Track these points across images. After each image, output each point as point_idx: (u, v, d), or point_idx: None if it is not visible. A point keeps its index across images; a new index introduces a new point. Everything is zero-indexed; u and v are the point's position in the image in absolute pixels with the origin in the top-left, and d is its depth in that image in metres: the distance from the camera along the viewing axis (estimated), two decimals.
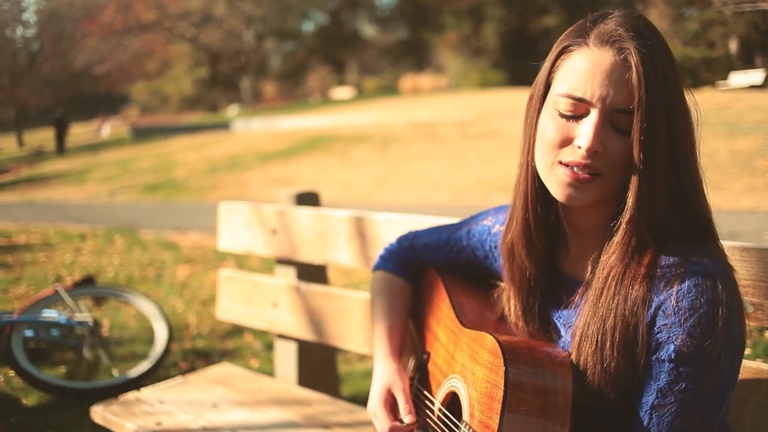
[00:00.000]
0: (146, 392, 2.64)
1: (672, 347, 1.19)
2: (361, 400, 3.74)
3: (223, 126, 30.51)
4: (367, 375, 4.26)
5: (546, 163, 1.32)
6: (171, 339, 4.33)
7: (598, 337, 1.26)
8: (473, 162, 15.36)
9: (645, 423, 1.22)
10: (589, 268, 1.38)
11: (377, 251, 2.36)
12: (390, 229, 2.35)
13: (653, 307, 1.22)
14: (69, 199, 15.68)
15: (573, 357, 1.31)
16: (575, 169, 1.27)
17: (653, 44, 1.23)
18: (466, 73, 43.21)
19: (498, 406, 1.25)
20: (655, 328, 1.21)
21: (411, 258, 1.84)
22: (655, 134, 1.21)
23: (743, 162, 11.17)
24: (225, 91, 49.10)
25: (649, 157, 1.21)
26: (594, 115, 1.24)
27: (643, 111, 1.20)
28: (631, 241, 1.26)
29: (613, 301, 1.26)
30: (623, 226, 1.26)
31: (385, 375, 1.66)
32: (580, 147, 1.25)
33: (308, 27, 58.21)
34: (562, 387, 1.27)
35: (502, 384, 1.25)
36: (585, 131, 1.24)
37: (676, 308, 1.19)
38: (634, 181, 1.23)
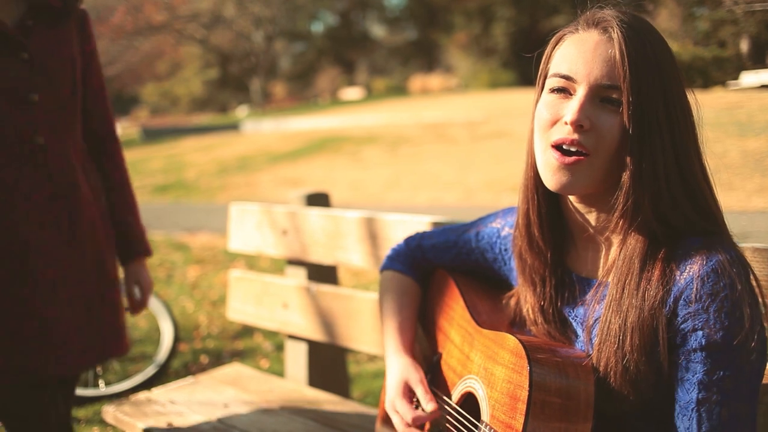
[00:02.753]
0: (157, 392, 2.65)
1: (700, 334, 1.19)
2: (371, 400, 3.74)
3: (233, 127, 30.58)
4: (378, 375, 4.26)
5: (540, 149, 1.34)
6: (178, 338, 4.34)
7: (619, 338, 1.26)
8: (483, 162, 15.34)
9: (695, 421, 1.20)
10: (600, 266, 1.38)
11: (388, 252, 2.37)
12: (401, 229, 2.35)
13: (672, 299, 1.22)
14: None
15: (594, 358, 1.30)
16: (564, 147, 1.27)
17: (641, 28, 1.26)
18: (475, 74, 43.18)
19: (522, 407, 1.24)
20: (678, 319, 1.21)
21: (419, 258, 1.83)
22: (649, 111, 1.22)
23: (755, 162, 11.11)
24: (235, 92, 49.25)
25: (642, 133, 1.22)
26: (580, 91, 1.27)
27: (628, 84, 1.22)
28: (637, 233, 1.27)
29: (631, 301, 1.25)
30: (622, 210, 1.26)
31: (401, 369, 1.65)
32: (566, 122, 1.27)
33: (318, 28, 58.30)
34: (584, 388, 1.27)
35: (527, 384, 1.25)
36: (571, 106, 1.27)
37: (698, 295, 1.19)
38: (628, 160, 1.24)
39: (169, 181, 17.74)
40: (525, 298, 1.52)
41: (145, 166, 21.31)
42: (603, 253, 1.36)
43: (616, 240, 1.34)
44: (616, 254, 1.32)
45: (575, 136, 1.26)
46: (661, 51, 1.26)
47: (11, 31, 2.09)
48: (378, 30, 58.69)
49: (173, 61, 47.84)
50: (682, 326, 1.21)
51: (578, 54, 1.29)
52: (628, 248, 1.28)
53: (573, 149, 1.27)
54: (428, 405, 1.55)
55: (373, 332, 2.48)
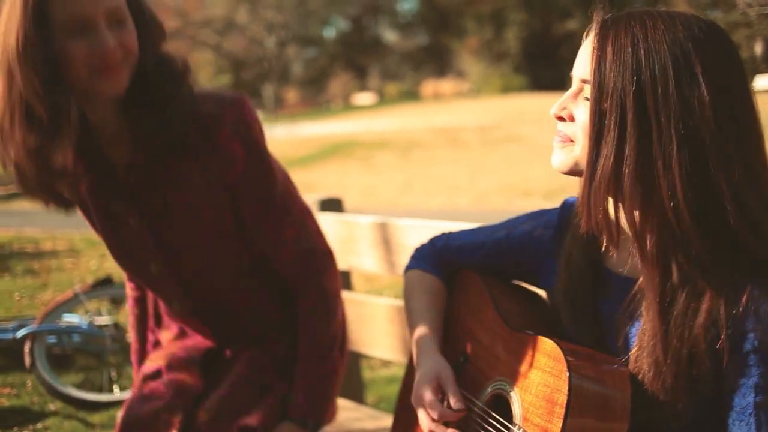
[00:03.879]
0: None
1: (752, 336, 1.17)
2: (385, 406, 3.74)
3: None
4: (391, 381, 4.26)
5: None
6: None
7: (657, 348, 1.24)
8: (495, 167, 15.34)
9: (754, 426, 1.19)
10: (631, 263, 1.34)
11: (402, 257, 2.36)
12: (414, 234, 2.34)
13: (715, 317, 1.20)
14: None
15: (631, 366, 1.29)
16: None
17: (645, 30, 1.22)
18: (487, 78, 43.22)
19: (561, 411, 1.24)
20: (728, 330, 1.19)
21: (445, 258, 1.81)
22: (612, 109, 1.21)
23: None
24: (248, 98, 49.45)
25: (600, 129, 1.23)
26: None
27: (593, 82, 1.24)
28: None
29: (674, 319, 1.23)
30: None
31: (433, 365, 1.62)
32: None
33: (330, 33, 58.42)
34: (621, 395, 1.26)
35: (566, 389, 1.24)
36: None
37: (746, 305, 1.18)
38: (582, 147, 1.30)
39: None
40: (560, 297, 1.50)
41: None
42: (632, 249, 1.31)
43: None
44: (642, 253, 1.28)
45: (559, 128, 1.36)
46: (659, 51, 1.20)
47: (112, 194, 1.81)
48: (390, 35, 58.80)
49: None
50: (731, 332, 1.19)
51: (578, 53, 1.35)
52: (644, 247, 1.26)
53: (558, 138, 1.37)
54: (456, 404, 1.53)
55: (387, 337, 2.47)
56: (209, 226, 1.82)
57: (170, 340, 2.08)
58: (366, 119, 29.59)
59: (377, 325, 2.51)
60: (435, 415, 1.52)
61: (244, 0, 43.10)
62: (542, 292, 1.70)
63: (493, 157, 16.68)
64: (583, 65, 1.30)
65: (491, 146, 18.55)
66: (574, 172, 1.34)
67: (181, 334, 2.07)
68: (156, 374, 1.98)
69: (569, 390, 1.24)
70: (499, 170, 14.88)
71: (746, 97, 1.23)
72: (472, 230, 1.79)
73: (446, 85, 44.56)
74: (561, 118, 1.34)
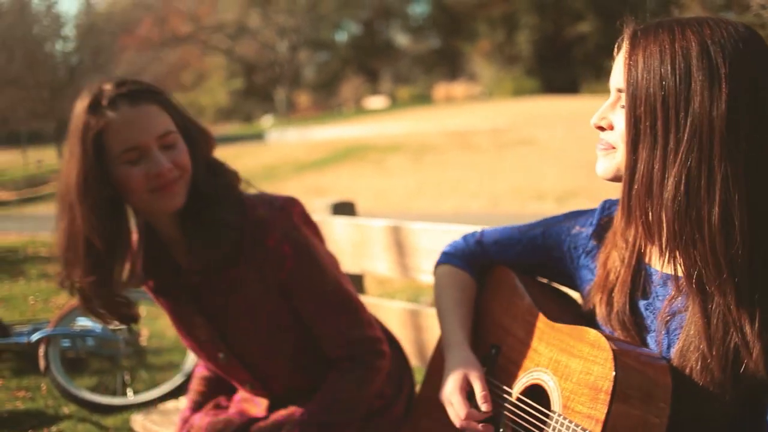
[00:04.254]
0: (185, 401, 2.67)
1: None
2: None
3: (258, 137, 30.77)
4: None
5: None
6: None
7: (703, 346, 1.28)
8: (508, 170, 15.32)
9: None
10: (672, 263, 1.35)
11: (414, 260, 2.36)
12: (426, 238, 2.34)
13: (766, 318, 1.23)
14: None
15: (674, 360, 1.32)
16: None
17: (673, 38, 1.26)
18: (499, 81, 43.19)
19: (606, 397, 1.26)
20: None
21: (478, 255, 1.84)
22: (645, 115, 1.26)
23: None
24: (260, 102, 49.58)
25: (636, 134, 1.28)
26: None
27: (626, 90, 1.29)
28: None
29: (723, 323, 1.27)
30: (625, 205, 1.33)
31: (462, 363, 1.66)
32: None
33: (342, 37, 58.51)
34: (663, 386, 1.28)
35: (611, 376, 1.26)
36: None
37: None
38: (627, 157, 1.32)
39: None
40: (614, 257, 1.51)
41: None
42: (668, 247, 1.33)
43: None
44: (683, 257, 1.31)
45: (601, 136, 1.41)
46: (690, 61, 1.23)
47: (180, 295, 1.95)
48: (402, 39, 58.82)
49: (198, 71, 48.32)
50: None
51: (614, 64, 1.39)
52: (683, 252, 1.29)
53: (601, 146, 1.42)
54: (483, 405, 1.57)
55: (400, 341, 2.47)
56: (268, 321, 1.93)
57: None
58: (378, 123, 29.59)
59: (390, 328, 2.50)
60: (462, 414, 1.57)
61: (256, 4, 43.26)
62: (573, 294, 1.72)
63: (505, 160, 16.65)
64: (617, 75, 1.35)
65: (503, 149, 18.53)
66: (617, 178, 1.38)
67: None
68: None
69: (615, 377, 1.26)
70: (512, 173, 14.86)
71: None
72: (506, 228, 1.82)
73: (458, 88, 44.53)
74: (601, 128, 1.39)
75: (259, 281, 1.89)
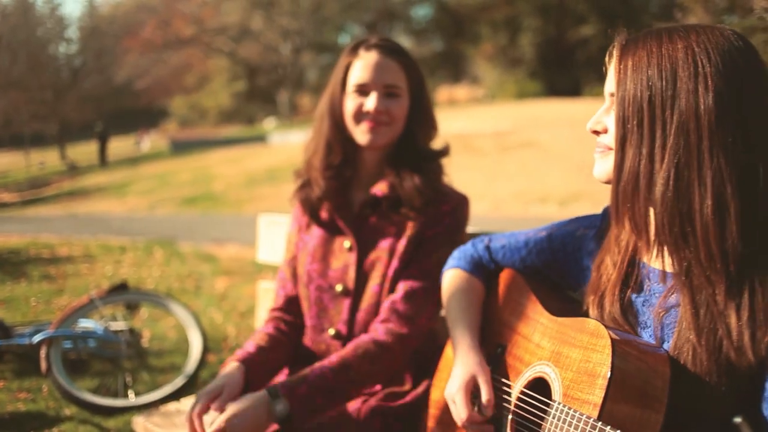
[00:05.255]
0: (186, 403, 2.66)
1: None
2: None
3: (261, 139, 30.78)
4: None
5: None
6: (206, 349, 4.36)
7: (692, 336, 1.30)
8: (511, 173, 15.32)
9: None
10: (664, 259, 1.40)
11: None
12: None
13: (757, 311, 1.24)
14: (110, 212, 15.93)
15: (672, 354, 1.34)
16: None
17: (660, 43, 1.32)
18: (502, 84, 43.16)
19: (603, 382, 1.27)
20: (757, 316, 1.24)
21: (485, 259, 1.90)
22: (631, 115, 1.32)
23: None
24: (262, 104, 49.58)
25: (624, 134, 1.33)
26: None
27: (617, 93, 1.35)
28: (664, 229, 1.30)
29: (710, 313, 1.29)
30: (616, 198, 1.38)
31: (471, 365, 1.70)
32: None
33: (345, 40, 58.35)
34: (661, 375, 1.29)
35: (609, 361, 1.28)
36: None
37: None
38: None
39: (197, 193, 17.90)
40: (607, 262, 1.56)
41: (174, 178, 21.52)
42: (664, 246, 1.37)
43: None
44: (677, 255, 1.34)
45: (598, 139, 1.46)
46: (673, 62, 1.29)
47: (340, 220, 2.21)
48: (405, 41, 58.56)
49: (201, 73, 48.44)
50: (763, 319, 1.23)
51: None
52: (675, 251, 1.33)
53: (598, 149, 1.47)
54: (487, 410, 1.62)
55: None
56: (396, 261, 2.14)
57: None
58: None
59: None
60: (464, 416, 1.62)
61: (259, 7, 43.28)
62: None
63: (508, 163, 16.66)
64: (609, 82, 1.42)
65: (506, 152, 18.53)
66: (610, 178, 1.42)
67: None
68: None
69: (612, 362, 1.28)
70: (515, 176, 14.86)
71: (764, 101, 1.28)
72: (514, 232, 1.88)
73: (461, 91, 44.50)
74: (597, 132, 1.45)
75: (415, 229, 2.15)
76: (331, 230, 2.24)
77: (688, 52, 1.28)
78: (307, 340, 2.26)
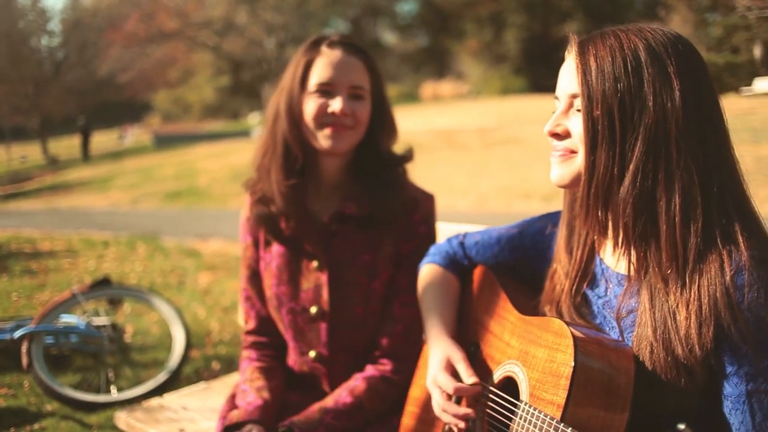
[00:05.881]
0: (169, 398, 2.66)
1: (739, 325, 1.21)
2: None
3: (245, 133, 30.69)
4: None
5: None
6: (189, 345, 4.34)
7: (650, 334, 1.30)
8: (495, 169, 15.34)
9: (748, 413, 1.23)
10: (623, 255, 1.39)
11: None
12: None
13: (703, 304, 1.24)
14: (93, 207, 15.83)
15: (634, 350, 1.34)
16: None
17: (620, 42, 1.32)
18: (487, 80, 43.18)
19: (566, 383, 1.28)
20: (713, 320, 1.23)
21: (460, 256, 1.90)
22: (602, 117, 1.30)
23: None
24: (247, 99, 49.31)
25: (594, 136, 1.31)
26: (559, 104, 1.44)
27: (582, 93, 1.33)
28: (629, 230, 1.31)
29: (662, 310, 1.30)
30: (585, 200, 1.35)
31: (444, 348, 1.71)
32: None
33: None
34: (625, 372, 1.30)
35: (571, 361, 1.28)
36: None
37: (729, 292, 1.22)
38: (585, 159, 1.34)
39: (181, 188, 17.81)
40: (559, 272, 1.58)
41: (157, 172, 21.41)
42: (624, 248, 1.37)
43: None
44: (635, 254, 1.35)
45: (558, 142, 1.42)
46: (639, 61, 1.29)
47: (306, 239, 2.09)
48: (389, 37, 58.71)
49: (185, 68, 48.11)
50: (718, 321, 1.23)
51: (560, 73, 1.44)
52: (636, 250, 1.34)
53: (557, 153, 1.43)
54: (470, 379, 1.61)
55: None
56: (381, 285, 2.08)
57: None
58: None
59: None
60: (450, 390, 1.60)
61: (243, 1, 43.06)
62: None
63: (492, 159, 16.67)
64: (567, 82, 1.39)
65: (491, 148, 18.55)
66: (573, 183, 1.40)
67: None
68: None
69: (575, 362, 1.28)
70: (499, 172, 14.88)
71: (715, 96, 1.32)
72: (487, 229, 1.88)
73: (446, 86, 44.48)
74: (556, 135, 1.41)
75: (391, 246, 2.08)
76: (295, 248, 2.11)
77: (650, 51, 1.29)
78: (291, 361, 2.20)
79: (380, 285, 2.07)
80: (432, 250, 1.98)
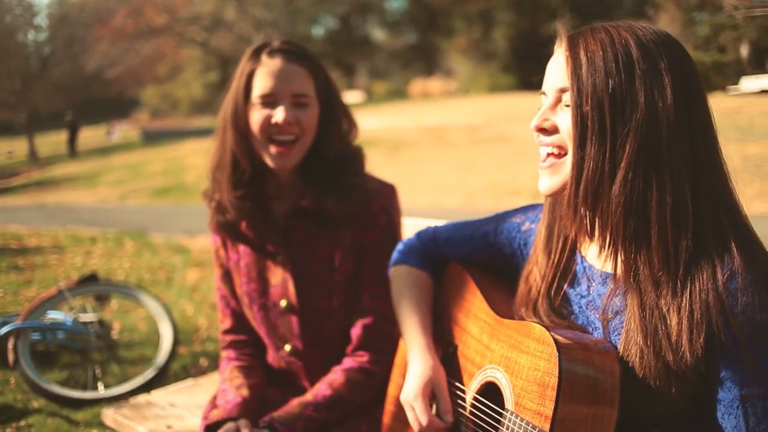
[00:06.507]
0: (157, 395, 2.65)
1: (732, 330, 1.20)
2: None
3: None
4: None
5: None
6: (177, 341, 4.33)
7: (639, 338, 1.28)
8: (484, 166, 15.36)
9: (742, 418, 1.22)
10: (609, 255, 1.36)
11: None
12: (403, 232, 2.34)
13: (695, 310, 1.22)
14: (80, 203, 15.75)
15: (621, 354, 1.32)
16: (540, 151, 1.39)
17: (611, 37, 1.29)
18: (475, 77, 43.27)
19: (552, 393, 1.26)
20: (705, 326, 1.22)
21: (432, 252, 1.85)
22: (592, 113, 1.26)
23: (755, 167, 11.11)
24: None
25: (583, 132, 1.27)
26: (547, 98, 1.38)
27: (572, 87, 1.29)
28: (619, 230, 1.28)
29: (653, 316, 1.27)
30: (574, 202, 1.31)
31: (427, 370, 1.66)
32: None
33: (318, 32, 58.13)
34: (611, 375, 1.29)
35: (556, 371, 1.26)
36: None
37: (721, 298, 1.20)
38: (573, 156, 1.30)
39: (169, 184, 17.74)
40: (535, 274, 1.55)
41: (145, 168, 21.32)
42: (610, 248, 1.34)
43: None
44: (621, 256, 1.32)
45: (545, 140, 1.37)
46: (626, 66, 1.26)
47: (270, 239, 2.10)
48: (378, 34, 58.70)
49: (174, 63, 47.92)
50: (710, 326, 1.21)
51: (547, 67, 1.39)
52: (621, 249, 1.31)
53: (546, 151, 1.38)
54: (446, 416, 1.60)
55: None
56: (343, 277, 2.08)
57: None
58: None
59: None
60: (424, 421, 1.58)
61: None
62: None
63: (481, 156, 16.70)
64: (556, 76, 1.35)
65: (479, 145, 18.58)
66: (561, 191, 1.36)
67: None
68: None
69: (560, 372, 1.26)
70: (487, 169, 14.90)
71: (704, 95, 1.30)
72: (459, 224, 1.82)
73: (434, 84, 44.54)
74: (543, 130, 1.37)
75: (349, 238, 2.07)
76: (259, 247, 2.13)
77: (640, 46, 1.27)
78: (270, 358, 2.21)
79: (342, 277, 2.07)
80: (401, 247, 1.91)
